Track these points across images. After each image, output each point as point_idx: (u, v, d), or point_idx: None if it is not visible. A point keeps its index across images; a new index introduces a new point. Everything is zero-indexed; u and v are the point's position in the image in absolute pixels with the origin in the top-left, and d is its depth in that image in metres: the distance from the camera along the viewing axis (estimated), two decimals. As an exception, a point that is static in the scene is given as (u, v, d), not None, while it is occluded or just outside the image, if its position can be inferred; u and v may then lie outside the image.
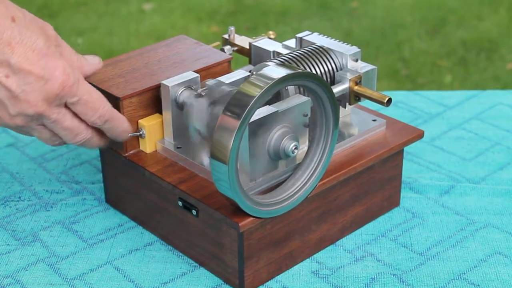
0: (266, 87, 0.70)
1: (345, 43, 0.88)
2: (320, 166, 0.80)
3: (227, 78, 0.83)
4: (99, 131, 0.82)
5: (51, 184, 0.98)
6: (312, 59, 0.86)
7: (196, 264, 0.85)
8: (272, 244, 0.81)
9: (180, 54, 0.91)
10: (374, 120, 0.90)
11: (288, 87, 0.82)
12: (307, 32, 0.91)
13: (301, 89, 0.83)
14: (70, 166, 1.02)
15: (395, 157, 0.91)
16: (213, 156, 0.71)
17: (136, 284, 0.82)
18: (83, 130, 0.80)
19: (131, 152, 0.86)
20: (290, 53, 0.86)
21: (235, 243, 0.79)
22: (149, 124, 0.85)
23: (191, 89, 0.84)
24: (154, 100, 0.86)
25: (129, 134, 0.83)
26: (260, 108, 0.77)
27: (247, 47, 0.94)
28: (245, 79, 0.83)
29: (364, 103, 0.98)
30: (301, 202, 0.80)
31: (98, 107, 0.79)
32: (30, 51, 0.74)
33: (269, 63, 0.84)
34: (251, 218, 0.76)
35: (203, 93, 0.82)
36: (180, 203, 0.82)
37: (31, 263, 0.85)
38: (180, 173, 0.82)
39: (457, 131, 1.09)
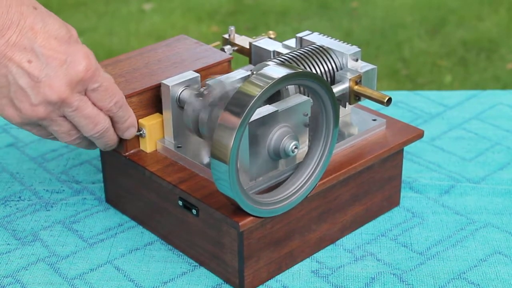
0: (266, 86, 0.70)
1: (345, 43, 0.88)
2: (320, 166, 0.80)
3: (227, 78, 0.83)
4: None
5: (51, 184, 0.98)
6: (312, 58, 0.86)
7: (196, 264, 0.85)
8: (272, 244, 0.81)
9: (180, 54, 0.91)
10: (374, 120, 0.90)
11: (288, 86, 0.82)
12: (307, 32, 0.91)
13: (301, 88, 0.83)
14: (70, 166, 1.02)
15: (395, 157, 0.91)
16: (213, 155, 0.71)
17: (136, 283, 0.82)
18: (102, 119, 0.79)
19: (131, 151, 0.86)
20: (290, 52, 0.86)
21: (235, 242, 0.79)
22: (150, 123, 0.85)
23: (191, 89, 0.84)
24: (154, 99, 0.86)
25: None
26: (260, 108, 0.77)
27: (247, 47, 0.94)
28: (245, 79, 0.83)
29: (364, 102, 0.98)
30: (301, 202, 0.80)
31: (116, 93, 0.79)
32: (52, 38, 0.74)
33: (269, 62, 0.84)
34: (251, 218, 0.76)
35: (203, 93, 0.82)
36: (180, 203, 0.82)
37: (31, 262, 0.85)
38: (180, 173, 0.82)
39: (457, 131, 1.09)
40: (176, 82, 0.83)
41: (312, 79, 0.74)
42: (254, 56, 0.94)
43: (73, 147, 1.05)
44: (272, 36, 0.95)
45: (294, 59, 0.85)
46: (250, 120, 0.75)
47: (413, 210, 0.93)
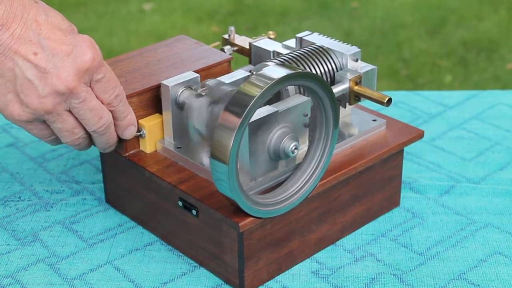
0: (266, 87, 0.70)
1: (345, 43, 0.88)
2: (320, 166, 0.80)
3: (227, 78, 0.83)
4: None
5: (51, 184, 0.98)
6: (312, 59, 0.86)
7: (196, 264, 0.85)
8: (272, 244, 0.81)
9: (180, 54, 0.91)
10: (374, 120, 0.90)
11: (288, 87, 0.82)
12: (307, 32, 0.91)
13: (301, 89, 0.83)
14: (70, 166, 1.02)
15: (395, 157, 0.91)
16: (213, 156, 0.71)
17: (136, 284, 0.82)
18: (106, 112, 0.79)
19: (131, 152, 0.86)
20: (290, 53, 0.86)
21: (235, 243, 0.79)
22: (149, 124, 0.85)
23: (191, 89, 0.84)
24: (154, 100, 0.86)
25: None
26: (260, 108, 0.77)
27: (247, 47, 0.94)
28: (245, 79, 0.83)
29: (364, 103, 0.98)
30: (301, 202, 0.80)
31: (117, 85, 0.79)
32: (56, 29, 0.75)
33: (269, 63, 0.84)
34: (251, 218, 0.76)
35: (203, 93, 0.82)
36: (180, 203, 0.82)
37: (31, 263, 0.85)
38: (180, 173, 0.82)
39: (457, 131, 1.09)
40: (176, 83, 0.83)
41: (312, 80, 0.74)
42: (254, 57, 0.93)
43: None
44: (272, 36, 0.95)
45: (294, 59, 0.85)
46: (250, 121, 0.75)
47: (413, 211, 0.93)
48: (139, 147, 0.86)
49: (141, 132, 0.85)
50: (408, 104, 1.16)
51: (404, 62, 2.57)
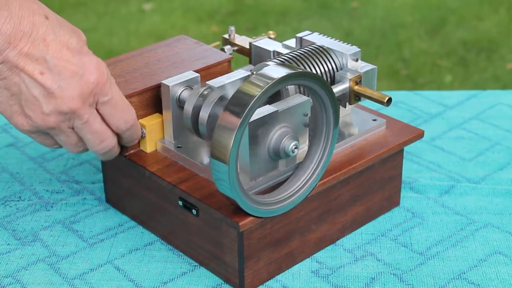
0: (267, 86, 0.70)
1: (345, 43, 0.88)
2: (320, 166, 0.80)
3: (227, 78, 0.83)
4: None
5: (51, 184, 0.98)
6: (312, 58, 0.86)
7: (196, 264, 0.85)
8: (272, 244, 0.81)
9: (180, 54, 0.91)
10: (374, 120, 0.90)
11: (288, 86, 0.82)
12: (307, 32, 0.91)
13: (301, 88, 0.83)
14: (70, 166, 1.02)
15: (395, 157, 0.91)
16: (213, 155, 0.71)
17: (136, 283, 0.82)
18: (109, 137, 0.79)
19: (131, 151, 0.86)
20: (290, 53, 0.86)
21: (235, 242, 0.79)
22: (150, 123, 0.85)
23: (191, 88, 0.84)
24: (154, 100, 0.86)
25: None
26: (260, 108, 0.77)
27: (247, 47, 0.94)
28: (245, 79, 0.83)
29: (364, 102, 0.98)
30: (301, 202, 0.80)
31: (126, 110, 0.79)
32: (64, 48, 0.74)
33: (269, 62, 0.84)
34: (251, 218, 0.76)
35: (203, 93, 0.82)
36: (180, 203, 0.82)
37: (31, 262, 0.85)
38: (180, 173, 0.82)
39: (457, 131, 1.09)
40: (176, 82, 0.83)
41: (312, 79, 0.74)
42: (254, 56, 0.93)
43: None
44: (272, 36, 0.95)
45: (294, 59, 0.85)
46: (250, 120, 0.75)
47: (413, 210, 0.93)
48: (139, 146, 0.86)
49: (141, 132, 0.85)
50: (408, 104, 1.16)
51: (404, 62, 2.57)
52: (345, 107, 0.89)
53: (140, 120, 0.85)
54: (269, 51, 0.91)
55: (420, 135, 0.90)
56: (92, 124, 0.77)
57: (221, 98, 0.81)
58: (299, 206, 0.82)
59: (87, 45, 0.78)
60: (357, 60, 0.87)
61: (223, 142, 0.70)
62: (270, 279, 0.83)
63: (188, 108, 0.82)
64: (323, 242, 0.87)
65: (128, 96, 0.83)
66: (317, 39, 0.89)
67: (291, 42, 0.92)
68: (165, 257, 0.86)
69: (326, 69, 0.86)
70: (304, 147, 0.82)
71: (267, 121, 0.77)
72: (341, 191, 0.86)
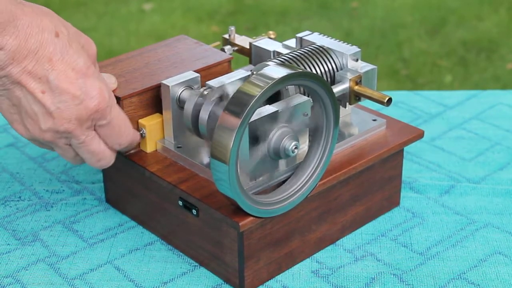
0: (267, 87, 0.70)
1: (345, 43, 0.88)
2: (320, 166, 0.80)
3: (227, 78, 0.83)
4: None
5: (51, 184, 0.98)
6: (312, 59, 0.86)
7: (196, 264, 0.85)
8: (272, 244, 0.81)
9: (180, 54, 0.91)
10: (374, 120, 0.90)
11: (288, 86, 0.82)
12: (307, 32, 0.91)
13: (302, 88, 0.83)
14: (70, 166, 1.02)
15: (395, 157, 0.91)
16: (213, 155, 0.71)
17: (136, 283, 0.82)
18: (107, 156, 0.80)
19: (131, 151, 0.86)
20: (290, 53, 0.86)
21: (235, 242, 0.79)
22: (150, 123, 0.85)
23: (192, 88, 0.84)
24: (154, 100, 0.86)
25: None
26: (260, 108, 0.77)
27: (248, 47, 0.94)
28: (245, 79, 0.83)
29: (364, 103, 0.98)
30: (301, 202, 0.80)
31: (123, 134, 0.80)
32: (69, 70, 0.74)
33: (269, 63, 0.84)
34: (251, 218, 0.76)
35: (203, 93, 0.82)
36: (180, 203, 0.82)
37: (31, 262, 0.85)
38: (180, 173, 0.82)
39: (457, 131, 1.09)
40: (176, 82, 0.83)
41: (312, 80, 0.74)
42: (254, 56, 0.94)
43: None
44: (272, 36, 0.95)
45: (294, 59, 0.85)
46: (250, 120, 0.75)
47: (413, 210, 0.93)
48: (139, 146, 0.86)
49: (141, 132, 0.85)
50: (408, 104, 1.16)
51: (404, 62, 2.57)
52: (345, 107, 0.89)
53: (140, 120, 0.85)
54: (269, 51, 0.91)
55: (420, 135, 0.90)
56: (88, 144, 0.78)
57: (221, 98, 0.81)
58: (299, 206, 0.82)
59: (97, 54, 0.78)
60: (357, 60, 0.87)
61: (223, 142, 0.70)
62: (270, 279, 0.83)
63: (188, 108, 0.82)
64: (323, 242, 0.87)
65: (128, 96, 0.83)
66: (317, 39, 0.89)
67: (291, 42, 0.92)
68: (165, 257, 0.86)
69: (326, 69, 0.86)
70: (304, 147, 0.82)
71: (267, 121, 0.77)
72: (341, 191, 0.86)
